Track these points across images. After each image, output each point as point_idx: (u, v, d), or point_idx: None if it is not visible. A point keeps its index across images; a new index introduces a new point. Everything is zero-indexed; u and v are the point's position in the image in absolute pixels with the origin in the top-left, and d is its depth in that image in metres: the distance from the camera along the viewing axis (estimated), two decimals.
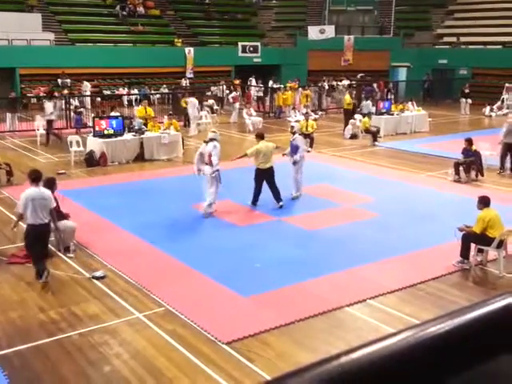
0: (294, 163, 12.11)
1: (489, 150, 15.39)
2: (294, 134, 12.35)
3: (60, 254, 9.07)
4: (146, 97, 25.96)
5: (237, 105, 25.08)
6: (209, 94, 28.42)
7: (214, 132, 11.52)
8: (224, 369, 5.90)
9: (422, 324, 0.80)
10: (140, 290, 7.80)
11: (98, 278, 8.13)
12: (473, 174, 14.19)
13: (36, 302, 7.44)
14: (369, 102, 23.07)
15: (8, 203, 11.92)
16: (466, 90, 27.84)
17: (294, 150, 12.12)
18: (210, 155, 10.95)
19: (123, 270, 8.46)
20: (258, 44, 35.73)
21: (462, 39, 33.69)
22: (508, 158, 15.16)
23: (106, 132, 16.01)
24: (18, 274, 8.35)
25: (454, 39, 33.96)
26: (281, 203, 11.54)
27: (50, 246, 9.31)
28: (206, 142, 11.20)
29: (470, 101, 27.58)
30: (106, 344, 6.38)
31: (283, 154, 12.56)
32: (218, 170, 10.92)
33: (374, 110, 22.21)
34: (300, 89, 27.14)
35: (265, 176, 11.48)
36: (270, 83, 28.84)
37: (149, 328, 6.76)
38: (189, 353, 6.21)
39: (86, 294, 7.67)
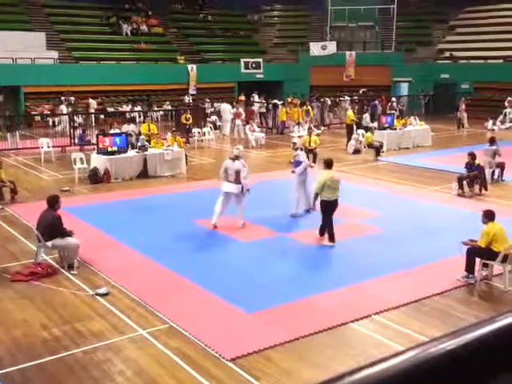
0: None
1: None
2: (296, 150, 12.44)
3: (63, 270, 9.06)
4: (143, 113, 26.09)
5: (238, 121, 25.11)
6: (212, 110, 28.55)
7: (238, 149, 11.57)
8: None
9: (427, 343, 0.80)
10: (144, 306, 7.77)
11: (101, 295, 8.11)
12: (476, 188, 14.16)
13: (39, 319, 7.41)
14: (367, 114, 23.17)
15: (12, 221, 11.94)
16: (463, 106, 27.55)
17: (297, 165, 12.16)
18: (238, 173, 11.03)
19: (127, 286, 8.44)
20: (261, 60, 35.97)
21: (464, 54, 33.86)
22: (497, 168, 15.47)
23: (109, 149, 16.08)
24: (21, 291, 8.33)
25: (455, 54, 34.12)
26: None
27: (53, 263, 9.35)
28: (232, 159, 11.22)
29: (465, 115, 27.34)
30: (110, 361, 6.34)
31: (292, 171, 12.50)
32: (248, 190, 11.07)
33: (371, 124, 22.27)
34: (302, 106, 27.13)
35: (331, 207, 10.37)
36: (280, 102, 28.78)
37: (152, 345, 6.72)
38: (192, 370, 6.16)
39: (90, 311, 7.64)
